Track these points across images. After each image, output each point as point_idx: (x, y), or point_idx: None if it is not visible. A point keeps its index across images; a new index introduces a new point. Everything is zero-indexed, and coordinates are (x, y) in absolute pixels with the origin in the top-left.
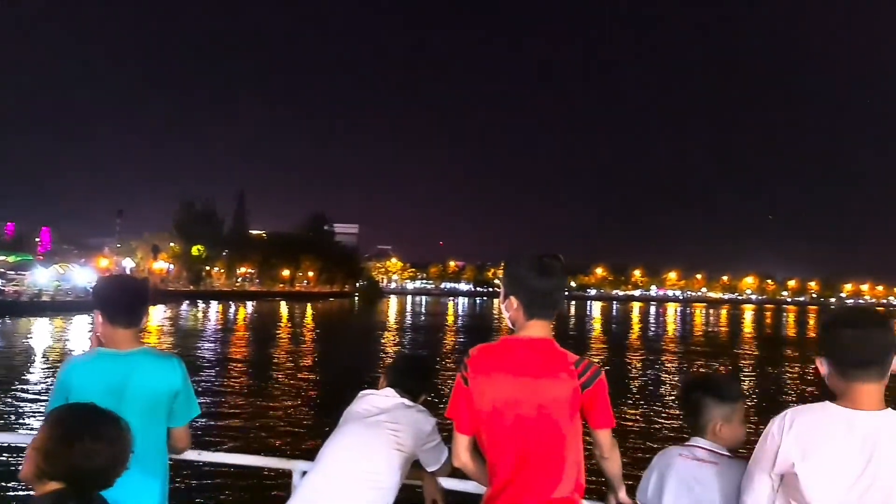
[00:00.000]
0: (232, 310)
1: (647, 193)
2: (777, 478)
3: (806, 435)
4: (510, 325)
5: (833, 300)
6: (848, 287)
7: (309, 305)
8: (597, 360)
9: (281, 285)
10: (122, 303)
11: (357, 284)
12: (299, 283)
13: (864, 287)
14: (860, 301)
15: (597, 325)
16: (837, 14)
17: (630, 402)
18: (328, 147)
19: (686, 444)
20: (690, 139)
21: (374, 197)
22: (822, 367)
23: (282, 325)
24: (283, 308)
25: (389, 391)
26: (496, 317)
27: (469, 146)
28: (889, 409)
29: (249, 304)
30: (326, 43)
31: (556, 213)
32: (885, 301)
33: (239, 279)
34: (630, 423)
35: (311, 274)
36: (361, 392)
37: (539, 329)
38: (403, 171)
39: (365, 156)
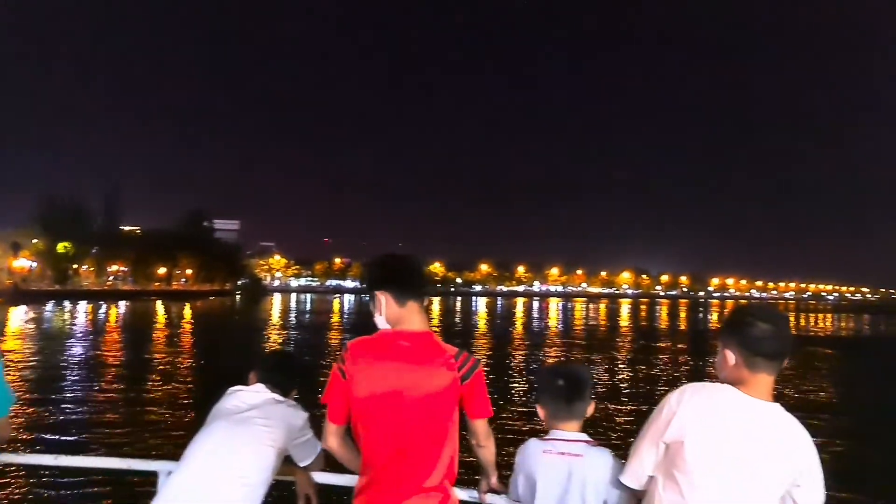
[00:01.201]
0: (103, 310)
1: (527, 192)
2: (663, 447)
3: (702, 409)
4: (384, 323)
5: (702, 294)
6: (715, 281)
7: (187, 305)
8: (481, 354)
9: (157, 284)
10: None
11: (239, 282)
12: (177, 281)
13: (730, 281)
14: (725, 293)
15: (482, 321)
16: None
17: (513, 395)
18: (209, 142)
19: (547, 437)
20: (570, 141)
21: (257, 192)
22: (729, 356)
23: (157, 325)
24: (160, 308)
25: (259, 387)
26: None
27: (354, 144)
28: (778, 403)
29: (122, 304)
30: (196, 35)
31: (443, 211)
32: (747, 294)
33: (111, 278)
34: (509, 417)
35: (189, 272)
36: (230, 389)
37: (416, 318)
38: (287, 166)
39: (247, 150)
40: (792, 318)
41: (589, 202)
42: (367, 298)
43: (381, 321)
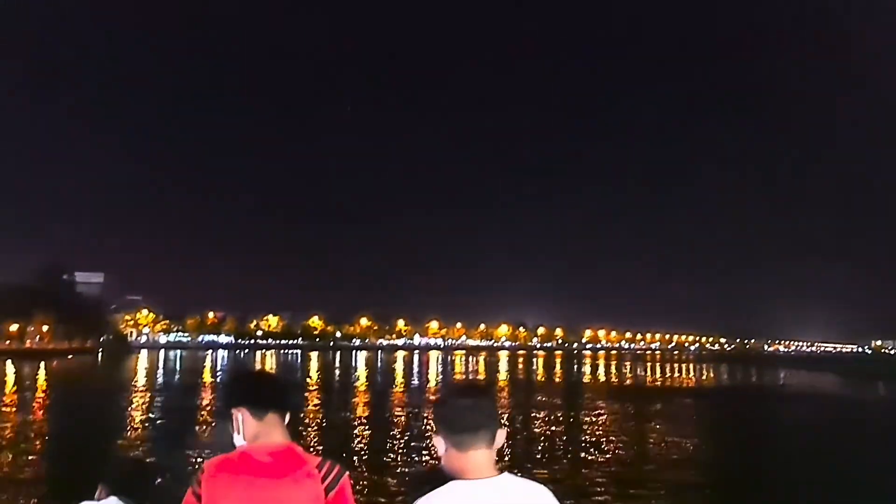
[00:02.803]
0: None
1: (407, 248)
2: None
3: None
4: (243, 441)
5: (576, 345)
6: (588, 333)
7: (42, 364)
8: (361, 412)
9: (7, 342)
10: None
11: (101, 339)
12: (31, 339)
13: (601, 332)
14: (598, 345)
15: (361, 376)
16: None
17: (392, 456)
18: (69, 189)
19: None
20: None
21: (123, 244)
22: (440, 445)
23: (5, 390)
24: (9, 368)
25: (112, 500)
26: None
27: (228, 193)
28: (505, 473)
29: None
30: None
31: (318, 265)
32: (617, 345)
33: None
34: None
35: (45, 329)
36: None
37: (275, 431)
38: (156, 216)
39: (111, 200)
40: (657, 369)
41: (465, 257)
42: (224, 421)
43: (238, 440)
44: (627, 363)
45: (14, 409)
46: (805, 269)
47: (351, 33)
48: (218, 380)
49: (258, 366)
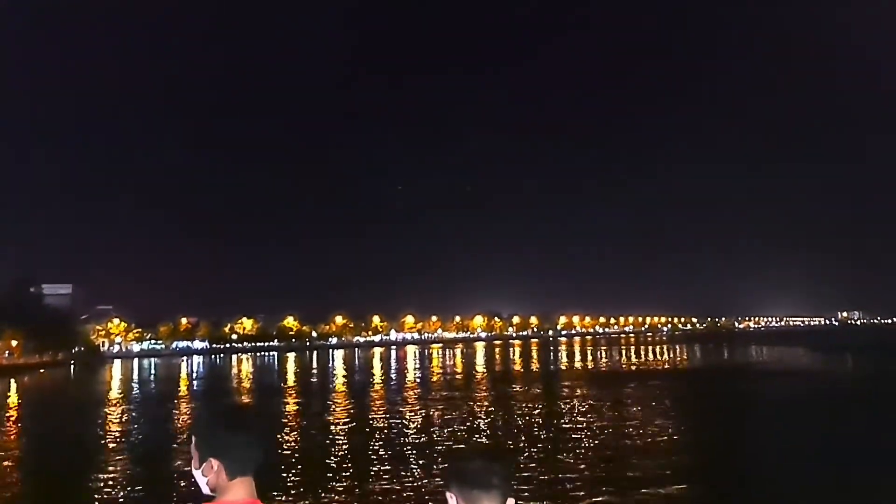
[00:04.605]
0: None
1: (375, 242)
2: None
3: None
4: (209, 492)
5: (551, 332)
6: (563, 320)
7: (13, 381)
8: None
9: None
10: None
11: (72, 351)
12: (0, 354)
13: (576, 319)
14: (573, 331)
15: (339, 375)
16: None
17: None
18: (32, 201)
19: None
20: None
21: (90, 253)
22: (451, 501)
23: None
24: None
25: None
26: (234, 375)
27: (190, 199)
28: None
29: None
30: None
31: (287, 263)
32: (592, 330)
33: None
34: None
35: (14, 343)
36: None
37: (243, 490)
38: (122, 224)
39: (75, 208)
40: (632, 352)
41: (437, 251)
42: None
43: (202, 482)
44: (603, 348)
45: None
46: (772, 247)
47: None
48: (197, 390)
49: (236, 398)
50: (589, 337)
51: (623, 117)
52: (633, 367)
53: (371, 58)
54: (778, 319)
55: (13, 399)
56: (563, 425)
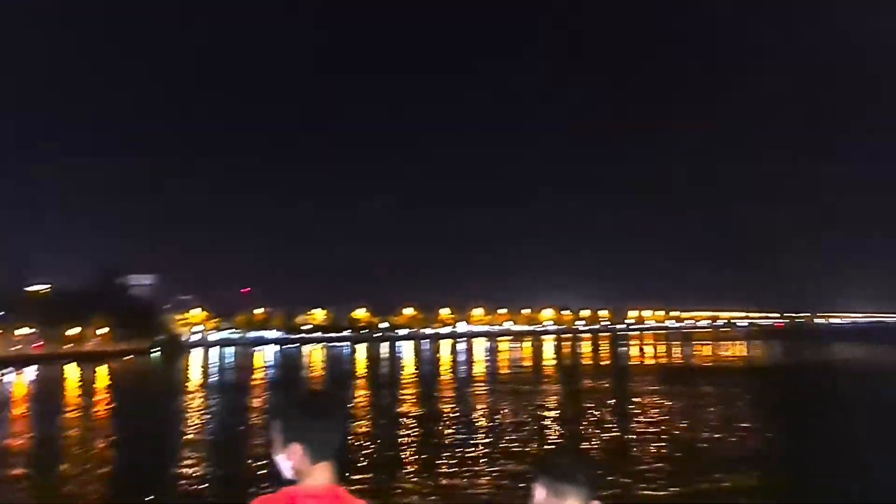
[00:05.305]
0: (10, 378)
1: (447, 235)
2: None
3: None
4: (291, 476)
5: (621, 326)
6: (633, 313)
7: (104, 367)
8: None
9: (69, 345)
10: None
11: (156, 339)
12: (90, 341)
13: (647, 312)
14: (644, 325)
15: (408, 366)
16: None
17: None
18: (119, 193)
19: None
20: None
21: (172, 245)
22: (539, 493)
23: (73, 391)
24: (73, 371)
25: None
26: (307, 364)
27: (271, 192)
28: None
29: (31, 370)
30: (93, 80)
31: (362, 256)
32: (664, 324)
33: (17, 342)
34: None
35: (103, 331)
36: None
37: (324, 475)
38: (200, 216)
39: (158, 201)
40: (706, 347)
41: (506, 243)
42: (275, 442)
43: (285, 467)
44: (676, 343)
45: (78, 413)
46: (858, 240)
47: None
48: (272, 379)
49: (312, 379)
50: (661, 331)
51: (701, 111)
52: (709, 364)
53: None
54: (864, 316)
55: (104, 383)
56: (635, 422)
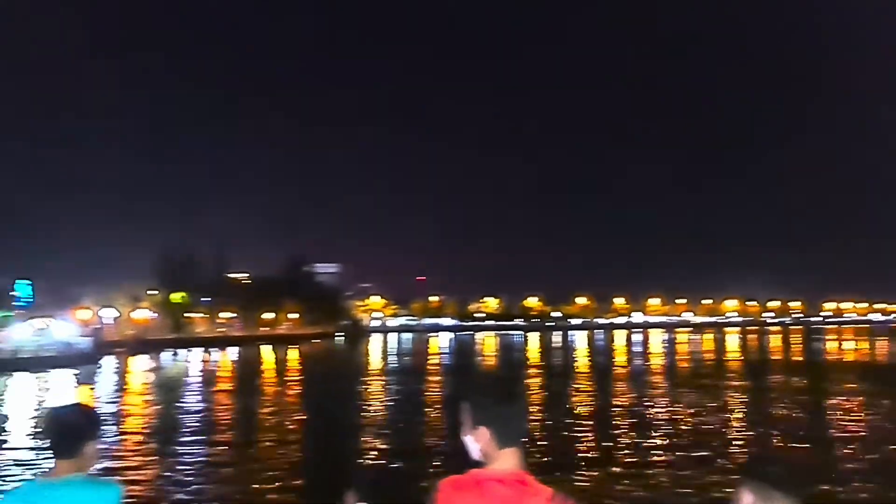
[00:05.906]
0: (215, 357)
1: (621, 223)
2: None
3: None
4: (479, 458)
5: (816, 319)
6: (830, 305)
7: (296, 349)
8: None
9: (264, 329)
10: (59, 437)
11: (340, 324)
12: (281, 325)
13: (846, 304)
14: (842, 318)
15: (582, 356)
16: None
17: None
18: (304, 187)
19: None
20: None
21: (354, 234)
22: (746, 498)
23: (266, 373)
24: (268, 353)
25: None
26: (479, 354)
27: (445, 184)
28: None
29: (233, 350)
30: (284, 76)
31: (536, 245)
32: (865, 317)
33: (221, 325)
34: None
35: (293, 316)
36: None
37: (511, 460)
38: (382, 206)
39: (341, 193)
40: None
41: (686, 229)
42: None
43: (474, 448)
44: (882, 338)
45: (274, 393)
46: None
47: None
48: (448, 365)
49: (484, 357)
50: (864, 326)
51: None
52: None
53: None
54: None
55: (296, 364)
56: (834, 427)
